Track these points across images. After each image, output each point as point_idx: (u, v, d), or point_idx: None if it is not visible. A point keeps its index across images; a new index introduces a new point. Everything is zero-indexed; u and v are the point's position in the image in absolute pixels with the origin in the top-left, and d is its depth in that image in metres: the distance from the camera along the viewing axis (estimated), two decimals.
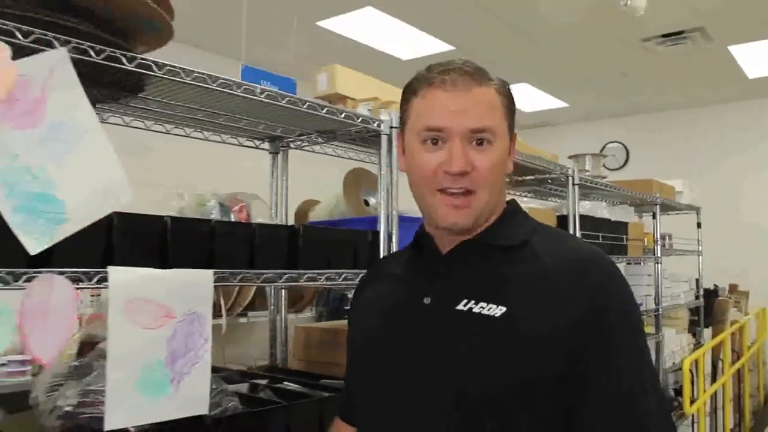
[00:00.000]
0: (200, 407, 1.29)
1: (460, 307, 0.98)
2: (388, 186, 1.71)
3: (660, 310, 3.63)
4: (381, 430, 1.02)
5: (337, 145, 2.00)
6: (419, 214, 1.84)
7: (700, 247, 4.50)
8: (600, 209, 3.09)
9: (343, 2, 4.26)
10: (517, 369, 0.92)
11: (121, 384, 1.16)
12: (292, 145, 2.02)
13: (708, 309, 4.71)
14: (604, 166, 4.42)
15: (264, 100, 1.43)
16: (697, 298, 4.47)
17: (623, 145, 7.32)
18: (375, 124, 1.71)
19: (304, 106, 1.54)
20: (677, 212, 4.40)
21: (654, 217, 3.79)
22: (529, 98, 6.55)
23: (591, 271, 0.98)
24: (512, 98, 1.07)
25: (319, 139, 1.93)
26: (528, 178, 2.85)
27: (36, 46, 1.08)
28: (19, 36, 1.06)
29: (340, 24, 4.61)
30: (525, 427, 0.93)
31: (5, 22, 1.05)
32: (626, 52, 5.19)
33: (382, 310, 1.10)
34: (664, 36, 4.88)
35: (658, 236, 3.76)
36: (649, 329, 3.69)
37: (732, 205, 6.26)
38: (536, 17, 4.48)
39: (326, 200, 2.19)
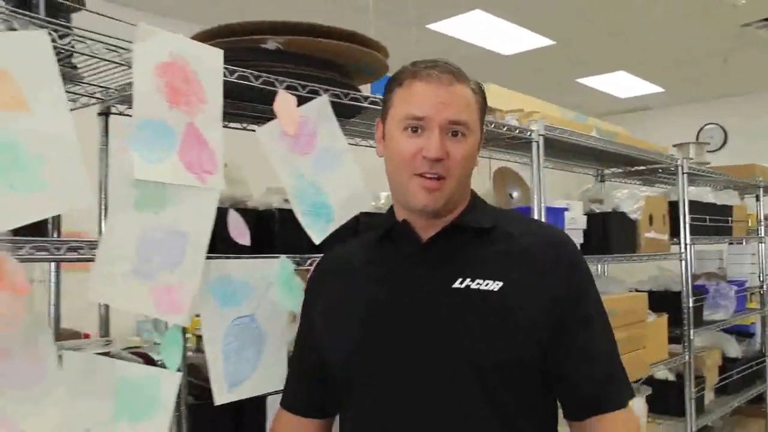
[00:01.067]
0: None
1: (456, 285, 1.04)
2: (538, 183, 2.08)
3: (765, 286, 3.82)
4: (404, 411, 1.03)
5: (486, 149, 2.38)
6: (561, 205, 2.20)
7: None
8: (706, 194, 3.34)
9: (453, 6, 4.61)
10: (526, 338, 1.02)
11: None
12: None
13: None
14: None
15: None
16: None
17: (721, 126, 7.31)
18: (527, 134, 2.07)
19: None
20: None
21: (757, 199, 3.96)
22: (625, 85, 6.68)
23: (564, 250, 1.10)
24: (485, 99, 1.14)
25: None
26: (640, 168, 3.14)
27: (308, 95, 1.52)
28: (300, 89, 1.50)
29: (449, 26, 4.97)
30: (533, 393, 1.05)
31: (292, 80, 1.49)
32: (725, 37, 5.28)
33: (370, 301, 1.11)
34: (764, 20, 4.96)
35: (762, 217, 3.94)
36: (753, 305, 3.90)
37: None
38: (633, 7, 4.68)
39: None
